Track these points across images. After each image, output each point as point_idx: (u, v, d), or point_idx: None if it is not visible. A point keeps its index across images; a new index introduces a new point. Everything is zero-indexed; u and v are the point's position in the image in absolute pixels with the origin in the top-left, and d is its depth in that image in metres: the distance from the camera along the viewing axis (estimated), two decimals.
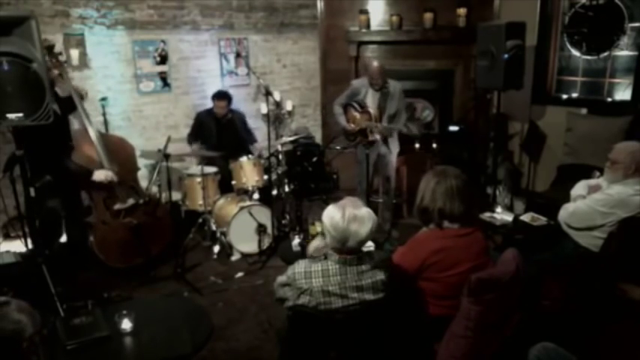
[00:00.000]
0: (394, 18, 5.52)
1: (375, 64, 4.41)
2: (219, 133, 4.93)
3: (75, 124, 3.99)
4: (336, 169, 5.87)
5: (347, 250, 2.04)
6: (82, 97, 3.83)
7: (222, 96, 4.91)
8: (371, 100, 4.45)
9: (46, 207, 3.53)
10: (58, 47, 3.91)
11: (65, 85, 3.63)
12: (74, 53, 4.52)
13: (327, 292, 2.03)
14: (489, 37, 4.41)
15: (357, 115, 4.48)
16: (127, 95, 4.92)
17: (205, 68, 5.35)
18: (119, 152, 3.93)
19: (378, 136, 4.39)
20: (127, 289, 3.69)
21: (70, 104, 3.67)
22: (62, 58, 3.74)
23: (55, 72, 3.56)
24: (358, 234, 1.99)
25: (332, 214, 2.03)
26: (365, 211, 2.03)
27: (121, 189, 3.88)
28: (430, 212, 2.26)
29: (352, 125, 4.49)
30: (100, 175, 3.70)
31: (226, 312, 3.49)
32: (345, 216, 1.99)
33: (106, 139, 3.90)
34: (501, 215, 4.19)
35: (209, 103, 5.22)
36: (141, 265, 3.92)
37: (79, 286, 3.49)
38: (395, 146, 4.60)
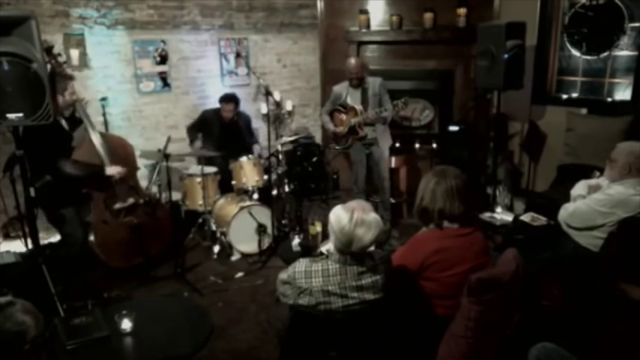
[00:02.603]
0: (394, 18, 5.51)
1: (353, 59, 4.51)
2: (222, 133, 4.92)
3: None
4: (336, 169, 5.87)
5: (349, 253, 2.04)
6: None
7: (229, 99, 4.87)
8: (352, 99, 4.50)
9: (58, 215, 3.54)
10: (58, 47, 3.91)
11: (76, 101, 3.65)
12: (74, 53, 4.52)
13: (327, 292, 2.03)
14: (489, 37, 4.41)
15: (344, 116, 4.52)
16: (127, 95, 4.92)
17: (205, 68, 5.35)
18: (119, 152, 3.93)
19: (367, 132, 4.41)
20: (127, 289, 3.70)
21: (76, 121, 3.69)
22: (61, 59, 3.74)
23: (75, 97, 3.57)
24: (363, 239, 1.99)
25: (340, 216, 2.02)
26: (372, 217, 2.02)
27: (121, 188, 3.88)
28: (430, 212, 2.26)
29: (340, 128, 4.52)
30: (112, 170, 3.70)
31: (226, 312, 3.49)
32: (352, 219, 1.98)
33: (106, 138, 3.89)
34: (501, 215, 4.20)
35: (209, 103, 5.23)
36: (141, 265, 3.92)
37: (79, 286, 3.49)
38: (385, 141, 4.60)
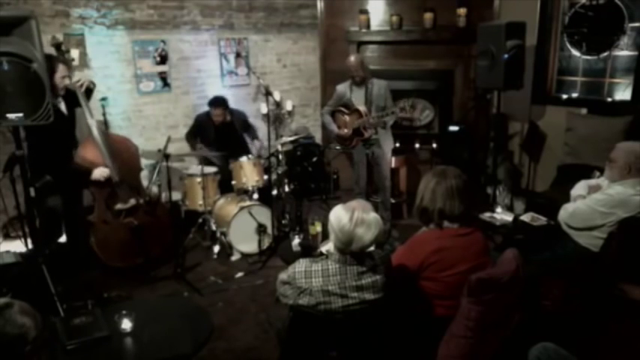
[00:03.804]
0: (394, 18, 5.52)
1: (352, 57, 4.45)
2: (217, 136, 4.91)
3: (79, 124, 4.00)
4: (336, 169, 5.87)
5: (349, 253, 2.04)
6: (90, 91, 3.83)
7: (217, 103, 4.84)
8: (356, 98, 4.45)
9: (46, 206, 3.54)
10: None
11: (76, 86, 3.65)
12: (74, 53, 4.52)
13: (327, 292, 2.03)
14: (489, 37, 4.41)
15: (347, 117, 4.47)
16: (127, 95, 4.92)
17: (205, 68, 5.35)
18: (122, 152, 3.93)
19: (372, 131, 4.39)
20: (127, 289, 3.70)
21: (75, 99, 3.70)
22: (68, 56, 3.75)
23: (67, 81, 3.57)
24: (363, 239, 1.99)
25: (340, 215, 2.02)
26: (373, 217, 2.02)
27: (123, 189, 3.88)
28: (430, 212, 2.26)
29: (345, 130, 4.49)
30: (96, 174, 3.71)
31: (226, 312, 3.49)
32: (352, 219, 1.98)
33: (109, 138, 3.90)
34: (501, 215, 4.19)
35: None
36: (141, 265, 3.92)
37: (79, 286, 3.49)
38: (388, 143, 4.59)
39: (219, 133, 4.92)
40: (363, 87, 4.42)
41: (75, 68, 4.52)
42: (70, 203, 3.71)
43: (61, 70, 3.53)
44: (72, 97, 3.68)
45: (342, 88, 4.55)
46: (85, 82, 3.74)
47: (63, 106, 3.66)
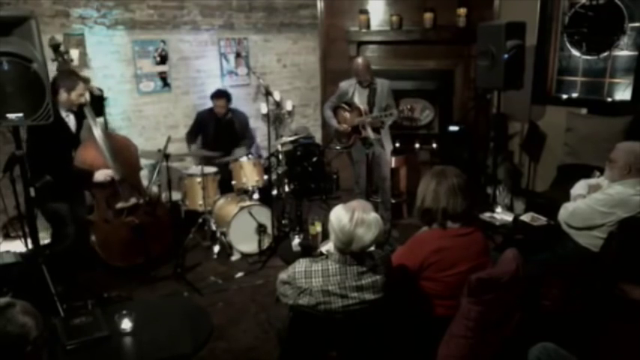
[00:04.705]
0: (394, 18, 5.52)
1: (360, 60, 4.46)
2: (216, 132, 4.96)
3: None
4: (336, 169, 5.87)
5: (349, 253, 2.04)
6: (102, 97, 3.86)
7: (220, 95, 4.94)
8: (359, 98, 4.48)
9: (51, 210, 3.54)
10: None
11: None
12: (74, 53, 4.51)
13: (327, 292, 2.03)
14: (489, 37, 4.41)
15: (347, 114, 4.50)
16: (127, 95, 4.92)
17: (205, 68, 5.35)
18: (123, 151, 3.93)
19: (370, 133, 4.39)
20: (127, 289, 3.70)
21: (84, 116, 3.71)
22: (67, 57, 3.74)
23: (82, 100, 3.58)
24: (363, 239, 1.99)
25: (340, 216, 2.02)
26: (373, 217, 2.02)
27: (124, 188, 3.88)
28: (434, 213, 2.26)
29: (344, 125, 4.51)
30: (99, 177, 3.71)
31: (226, 312, 3.49)
32: (353, 219, 1.98)
33: (110, 138, 3.90)
34: (501, 215, 4.20)
35: (209, 103, 5.24)
36: (141, 265, 3.92)
37: (79, 286, 3.49)
38: (388, 144, 4.60)
39: (218, 129, 4.94)
40: (367, 89, 4.44)
41: (75, 68, 4.51)
42: (74, 205, 3.71)
43: (80, 88, 3.54)
44: (82, 113, 3.69)
45: (346, 85, 4.56)
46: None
47: (72, 121, 3.65)
